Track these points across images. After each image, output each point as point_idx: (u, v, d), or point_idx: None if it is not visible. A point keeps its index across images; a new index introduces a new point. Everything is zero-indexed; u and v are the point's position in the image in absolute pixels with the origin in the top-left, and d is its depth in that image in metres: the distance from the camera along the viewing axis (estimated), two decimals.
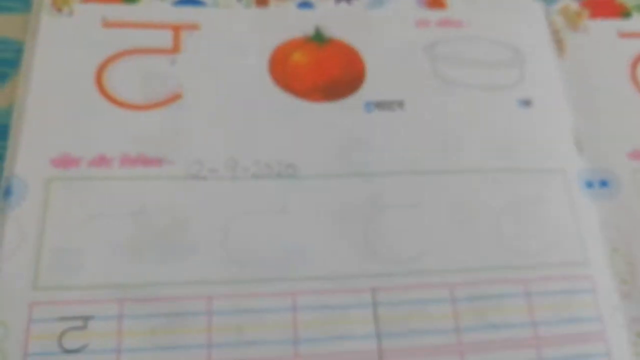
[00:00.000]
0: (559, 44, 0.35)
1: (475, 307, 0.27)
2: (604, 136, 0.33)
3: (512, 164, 0.31)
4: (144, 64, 0.31)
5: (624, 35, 0.36)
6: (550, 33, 0.35)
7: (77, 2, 0.32)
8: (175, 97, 0.31)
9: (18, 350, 0.25)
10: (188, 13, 0.33)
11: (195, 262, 0.27)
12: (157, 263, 0.27)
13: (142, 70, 0.31)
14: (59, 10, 0.32)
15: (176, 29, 0.33)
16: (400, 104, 0.32)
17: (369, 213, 0.29)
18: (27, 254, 0.26)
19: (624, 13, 0.37)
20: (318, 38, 0.34)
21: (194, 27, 0.33)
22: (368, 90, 0.32)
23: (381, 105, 0.32)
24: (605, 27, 0.36)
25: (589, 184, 0.31)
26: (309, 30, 0.34)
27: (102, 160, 0.29)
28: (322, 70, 0.33)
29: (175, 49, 0.32)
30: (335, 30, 0.34)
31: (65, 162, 0.28)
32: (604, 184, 0.31)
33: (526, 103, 0.33)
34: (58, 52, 0.31)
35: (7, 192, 0.27)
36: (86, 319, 0.25)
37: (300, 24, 0.34)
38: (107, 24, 0.32)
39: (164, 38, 0.32)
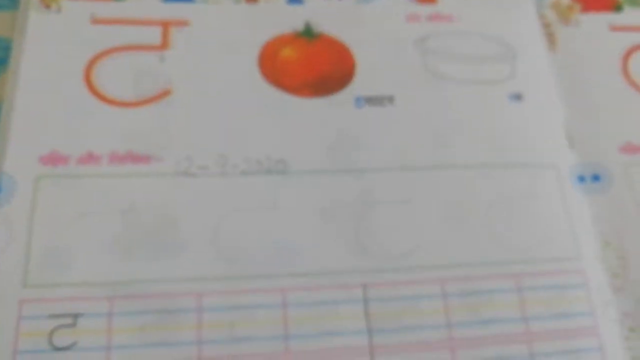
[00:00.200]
0: (550, 38, 0.35)
1: (466, 302, 0.27)
2: (595, 130, 0.32)
3: (504, 158, 0.31)
4: (133, 60, 0.31)
5: (615, 28, 0.36)
6: (541, 27, 0.35)
7: None
8: (164, 94, 0.31)
9: (8, 348, 0.24)
10: (177, 9, 0.33)
11: (185, 259, 0.27)
12: (146, 260, 0.27)
13: (131, 67, 0.31)
14: (48, 7, 0.32)
15: (165, 25, 0.32)
16: (391, 99, 0.32)
17: (359, 209, 0.29)
18: (17, 252, 0.26)
19: (615, 7, 0.37)
20: (308, 33, 0.33)
21: (183, 23, 0.33)
22: (358, 86, 0.32)
23: (371, 100, 0.32)
24: (596, 21, 0.36)
25: (581, 179, 0.31)
26: (299, 26, 0.33)
27: (90, 158, 0.28)
28: (312, 66, 0.33)
29: (165, 45, 0.32)
30: (325, 25, 0.34)
31: (53, 159, 0.28)
32: (595, 178, 0.31)
33: (517, 97, 0.33)
34: (46, 48, 0.31)
35: None
36: (76, 316, 0.25)
37: (290, 19, 0.34)
38: (96, 21, 0.32)
39: (153, 34, 0.32)
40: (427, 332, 0.27)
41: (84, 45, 0.31)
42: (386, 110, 0.32)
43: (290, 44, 0.33)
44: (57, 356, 0.25)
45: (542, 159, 0.31)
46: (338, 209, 0.29)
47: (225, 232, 0.28)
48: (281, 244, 0.28)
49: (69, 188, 0.28)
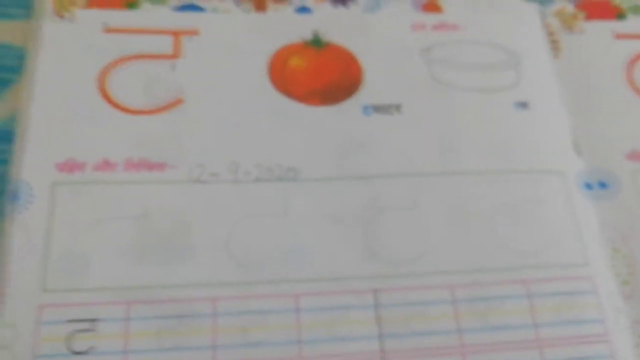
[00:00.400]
0: (554, 46, 0.36)
1: (476, 308, 0.28)
2: (601, 137, 0.33)
3: (510, 165, 0.31)
4: (145, 69, 0.32)
5: (619, 36, 0.36)
6: (545, 35, 0.36)
7: (79, 8, 0.33)
8: (176, 102, 0.31)
9: (27, 352, 0.25)
10: (188, 18, 0.33)
11: (199, 265, 0.27)
12: (161, 265, 0.27)
13: (143, 76, 0.31)
14: (61, 16, 0.32)
15: (176, 35, 0.33)
16: (398, 107, 0.32)
17: (369, 215, 0.29)
18: (35, 257, 0.27)
19: (619, 14, 0.37)
20: (316, 43, 0.34)
21: (193, 32, 0.33)
22: (366, 94, 0.32)
23: (379, 108, 0.32)
24: (600, 29, 0.36)
25: (588, 186, 0.31)
26: (307, 35, 0.34)
27: (106, 165, 0.29)
28: (320, 75, 0.33)
29: (176, 54, 0.32)
30: (333, 34, 0.34)
31: (70, 166, 0.29)
32: (602, 185, 0.32)
33: (523, 105, 0.33)
34: (60, 57, 0.31)
35: (14, 197, 0.28)
36: (93, 321, 0.26)
37: (299, 28, 0.34)
38: (108, 30, 0.32)
39: (165, 43, 0.32)
40: (437, 337, 0.27)
41: (97, 54, 0.32)
42: (393, 118, 0.32)
43: (299, 53, 0.34)
44: None
45: (549, 165, 0.32)
46: (347, 215, 0.29)
47: (237, 238, 0.28)
48: (293, 249, 0.28)
49: (85, 194, 0.28)
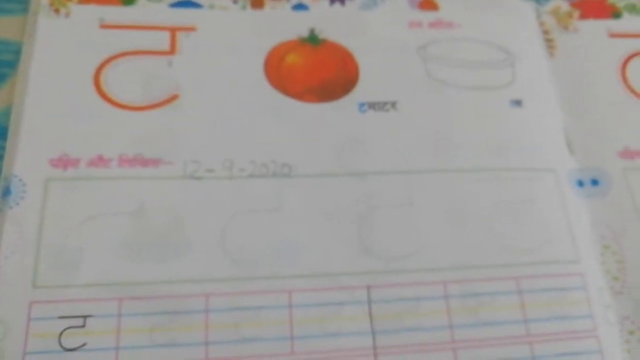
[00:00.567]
0: (549, 44, 0.36)
1: (468, 304, 0.28)
2: (594, 135, 0.33)
3: (504, 163, 0.31)
4: (141, 65, 0.32)
5: (614, 35, 0.36)
6: (541, 33, 0.36)
7: (75, 3, 0.33)
8: (172, 98, 0.31)
9: (17, 349, 0.25)
10: (184, 15, 0.33)
11: (193, 261, 0.27)
12: (155, 262, 0.27)
13: (139, 72, 0.31)
14: (57, 11, 0.32)
15: (173, 31, 0.33)
16: (393, 105, 0.32)
17: (363, 211, 0.29)
18: (27, 253, 0.27)
19: (615, 13, 0.37)
20: (312, 40, 0.34)
21: (190, 28, 0.33)
22: (361, 91, 0.33)
23: (374, 105, 0.32)
24: (595, 27, 0.36)
25: (580, 183, 0.32)
26: (304, 32, 0.34)
27: (100, 160, 0.29)
28: (317, 72, 0.33)
29: (172, 50, 0.32)
30: (330, 32, 0.34)
31: (63, 162, 0.29)
32: (594, 182, 0.32)
33: (517, 103, 0.33)
34: (56, 53, 0.31)
35: (6, 192, 0.28)
36: (85, 317, 0.26)
37: (295, 26, 0.34)
38: (105, 26, 0.32)
39: (161, 39, 0.32)
40: (429, 333, 0.27)
41: (93, 50, 0.32)
42: (389, 115, 0.32)
43: (295, 50, 0.34)
44: (67, 357, 0.25)
45: (542, 163, 0.32)
46: (342, 212, 0.29)
47: (231, 234, 0.28)
48: (286, 246, 0.28)
49: (79, 190, 0.28)
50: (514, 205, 0.30)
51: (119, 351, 0.25)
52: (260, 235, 0.28)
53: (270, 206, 0.29)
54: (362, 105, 0.32)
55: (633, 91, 0.35)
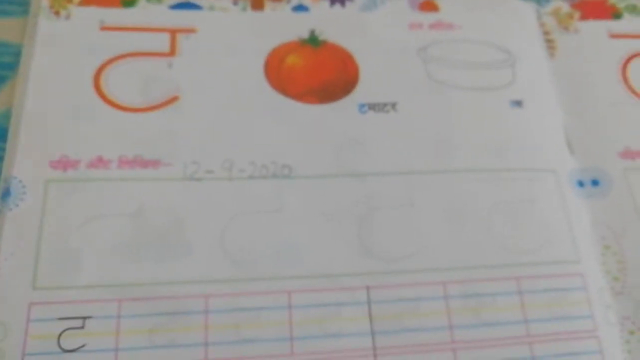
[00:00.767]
0: (550, 45, 0.36)
1: (468, 304, 0.28)
2: (595, 136, 0.33)
3: (504, 164, 0.31)
4: (142, 66, 0.32)
5: (614, 36, 0.36)
6: (541, 34, 0.36)
7: (75, 5, 0.33)
8: (172, 100, 0.31)
9: (17, 350, 0.25)
10: (184, 16, 0.34)
11: (193, 262, 0.27)
12: (154, 263, 0.27)
13: (139, 73, 0.32)
14: (57, 13, 0.32)
15: (173, 33, 0.33)
16: (394, 106, 0.32)
17: (363, 212, 0.29)
18: (26, 254, 0.27)
19: (615, 14, 0.37)
20: (313, 41, 0.34)
21: (190, 30, 0.33)
22: (362, 92, 0.33)
23: (375, 106, 0.32)
24: (596, 28, 0.36)
25: (581, 183, 0.32)
26: (304, 34, 0.34)
27: (100, 162, 0.29)
28: (317, 73, 0.33)
29: (172, 52, 0.32)
30: (330, 33, 0.34)
31: (63, 163, 0.29)
32: (595, 183, 0.32)
33: (518, 104, 0.33)
34: (56, 55, 0.31)
35: (6, 193, 0.28)
36: (85, 318, 0.26)
37: (296, 27, 0.34)
38: (105, 28, 0.32)
39: (161, 41, 0.33)
40: (429, 334, 0.27)
41: (93, 52, 0.32)
42: (389, 117, 0.32)
43: (296, 51, 0.34)
44: (66, 358, 0.25)
45: (542, 164, 0.32)
46: (342, 213, 0.29)
47: (231, 235, 0.28)
48: (286, 246, 0.28)
49: (79, 192, 0.28)
50: (514, 205, 0.30)
51: (118, 352, 0.25)
52: (260, 237, 0.28)
53: (270, 207, 0.29)
54: (362, 106, 0.32)
55: (633, 91, 0.34)
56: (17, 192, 0.28)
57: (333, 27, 0.34)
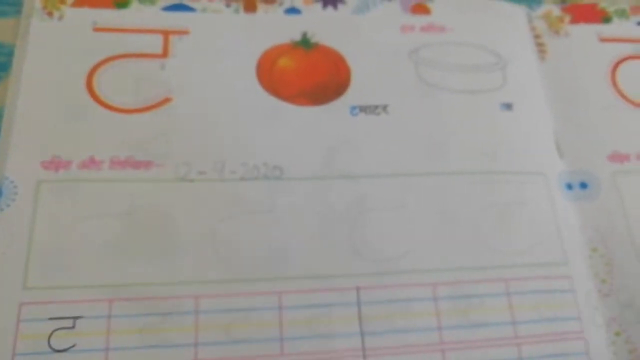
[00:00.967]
0: (540, 48, 0.36)
1: (457, 306, 0.28)
2: (584, 139, 0.33)
3: (494, 166, 0.31)
4: (134, 68, 0.32)
5: (604, 39, 0.37)
6: (532, 37, 0.36)
7: (68, 6, 0.33)
8: (164, 101, 0.31)
9: (7, 350, 0.25)
10: (177, 18, 0.34)
11: (184, 263, 0.27)
12: (145, 263, 0.27)
13: (132, 75, 0.32)
14: (50, 14, 0.32)
15: (165, 34, 0.33)
16: (385, 108, 0.33)
17: (354, 214, 0.30)
18: (17, 255, 0.27)
19: (605, 18, 0.37)
20: (305, 43, 0.34)
21: (183, 32, 0.33)
22: (353, 95, 0.33)
23: (366, 109, 0.32)
24: (586, 32, 0.37)
25: (569, 186, 0.32)
26: (296, 36, 0.34)
27: (92, 163, 0.29)
28: (309, 75, 0.33)
29: (165, 53, 0.32)
30: (322, 35, 0.34)
31: (55, 164, 0.29)
32: (583, 185, 0.32)
33: (508, 107, 0.33)
34: (49, 55, 0.31)
35: None
36: (75, 318, 0.26)
37: (288, 29, 0.34)
38: (98, 29, 0.33)
39: (154, 43, 0.33)
40: (418, 334, 0.27)
41: (86, 53, 0.32)
42: (380, 119, 0.32)
43: (288, 53, 0.34)
44: (56, 358, 0.25)
45: (532, 166, 0.32)
46: (333, 214, 0.29)
47: (222, 237, 0.28)
48: (277, 248, 0.28)
49: (70, 192, 0.28)
50: (503, 208, 0.30)
51: (109, 352, 0.25)
52: (251, 238, 0.28)
53: (261, 208, 0.29)
54: (353, 108, 0.32)
55: (623, 95, 0.35)
56: (8, 192, 0.28)
57: (325, 29, 0.34)
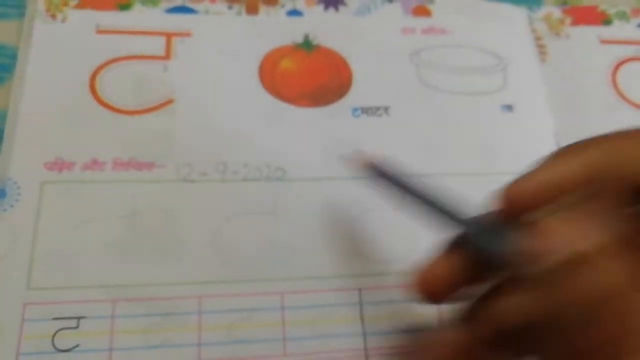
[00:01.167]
0: (541, 50, 0.36)
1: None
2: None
3: (495, 167, 0.32)
4: (137, 70, 0.32)
5: (605, 41, 0.37)
6: (532, 39, 0.36)
7: (71, 9, 0.33)
8: (167, 103, 0.31)
9: (11, 350, 0.25)
10: (180, 20, 0.34)
11: (186, 263, 0.28)
12: (149, 264, 0.27)
13: (134, 76, 0.32)
14: (53, 17, 0.33)
15: (168, 36, 0.33)
16: (386, 109, 0.33)
17: (355, 215, 0.30)
18: (21, 255, 0.27)
19: (605, 20, 0.38)
20: (307, 46, 0.34)
21: (185, 34, 0.33)
22: (355, 96, 0.33)
23: (367, 110, 0.33)
24: (586, 34, 0.37)
25: None
26: (298, 38, 0.34)
27: (95, 164, 0.29)
28: (311, 77, 0.33)
29: (167, 55, 0.33)
30: (324, 38, 0.34)
31: (58, 165, 0.29)
32: None
33: (508, 108, 0.34)
34: (52, 57, 0.32)
35: (1, 194, 0.28)
36: (79, 318, 0.26)
37: (290, 32, 0.34)
38: (101, 31, 0.33)
39: (157, 45, 0.33)
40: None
41: (89, 55, 0.32)
42: (381, 120, 0.32)
43: (290, 55, 0.34)
44: (60, 358, 0.25)
45: None
46: (335, 215, 0.30)
47: (224, 237, 0.28)
48: (279, 248, 0.28)
49: (73, 193, 0.28)
50: None
51: (112, 352, 0.26)
52: (253, 238, 0.29)
53: (263, 209, 0.29)
54: (355, 110, 0.33)
55: (623, 96, 0.35)
56: (12, 194, 0.28)
57: (327, 31, 0.35)
